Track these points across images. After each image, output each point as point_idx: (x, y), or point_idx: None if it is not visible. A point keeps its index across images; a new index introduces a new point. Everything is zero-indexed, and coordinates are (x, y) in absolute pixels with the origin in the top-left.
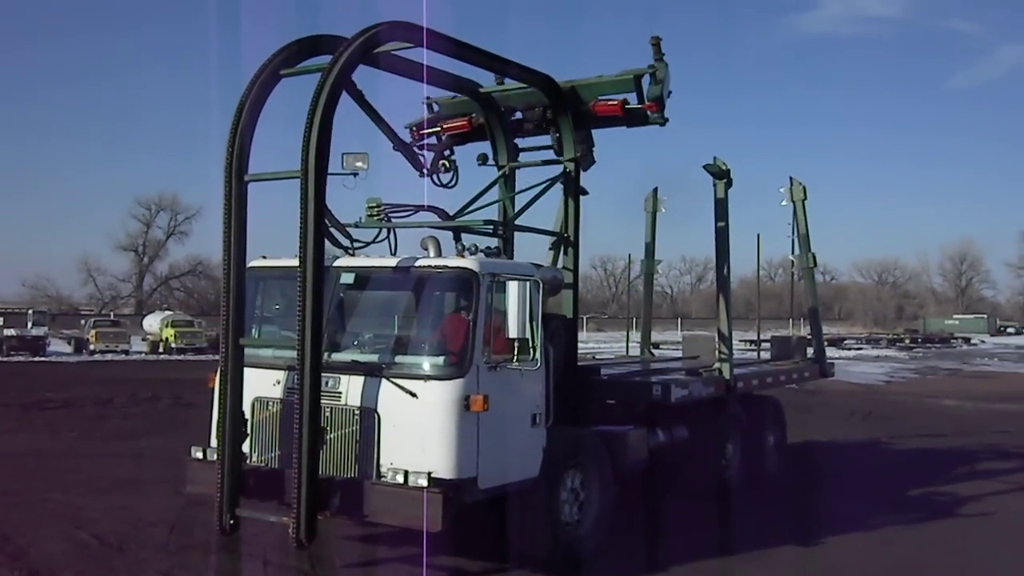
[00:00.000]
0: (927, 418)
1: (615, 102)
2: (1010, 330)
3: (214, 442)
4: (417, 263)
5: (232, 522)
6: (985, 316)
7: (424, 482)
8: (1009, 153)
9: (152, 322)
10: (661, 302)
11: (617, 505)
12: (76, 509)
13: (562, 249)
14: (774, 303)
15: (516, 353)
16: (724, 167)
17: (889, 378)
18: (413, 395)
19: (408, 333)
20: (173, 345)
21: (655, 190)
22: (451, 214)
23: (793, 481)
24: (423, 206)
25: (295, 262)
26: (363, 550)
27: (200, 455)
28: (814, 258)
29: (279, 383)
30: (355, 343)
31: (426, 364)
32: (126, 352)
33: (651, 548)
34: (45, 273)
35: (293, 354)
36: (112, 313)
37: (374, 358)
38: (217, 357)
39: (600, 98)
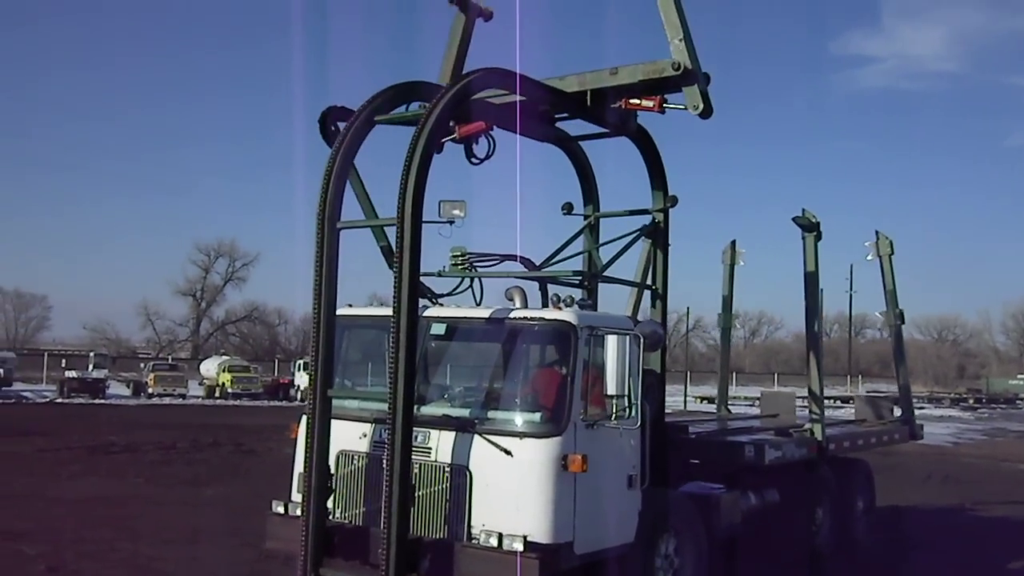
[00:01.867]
0: (1007, 484)
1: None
2: None
3: (296, 496)
4: (512, 314)
5: None
6: None
7: (519, 546)
8: None
9: (209, 367)
10: (714, 355)
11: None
12: (147, 560)
13: (650, 302)
14: (830, 359)
15: (614, 410)
16: (814, 219)
17: (957, 439)
18: (508, 453)
19: (501, 387)
20: (229, 390)
21: (733, 242)
22: (537, 264)
23: (884, 550)
24: (509, 255)
25: (383, 311)
26: None
27: (281, 510)
28: (902, 315)
29: (365, 436)
30: (444, 396)
31: (521, 421)
32: (183, 396)
33: None
34: (106, 317)
35: (380, 406)
36: (170, 357)
37: (465, 413)
38: (287, 404)
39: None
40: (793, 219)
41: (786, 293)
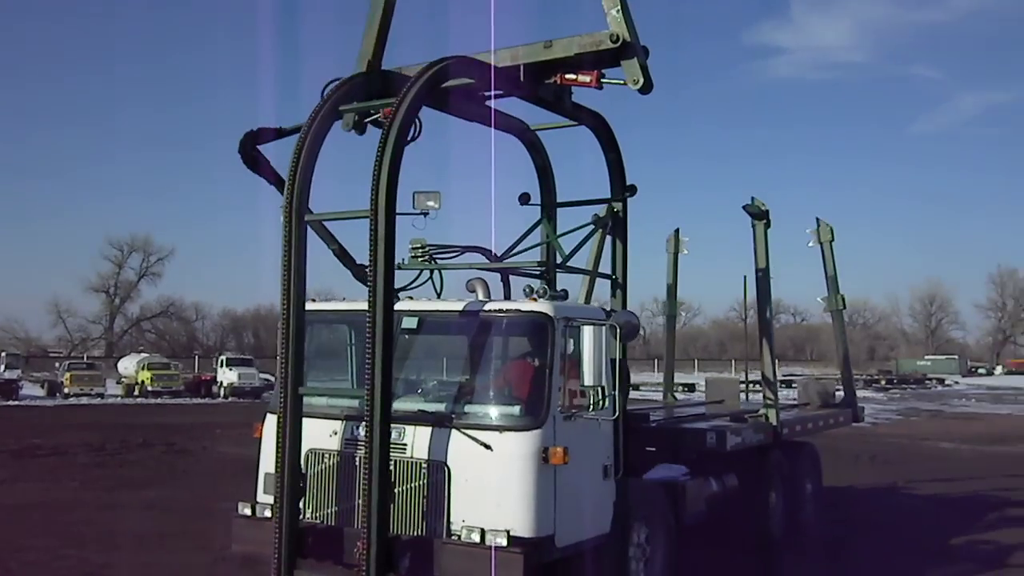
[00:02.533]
0: (932, 462)
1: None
2: (981, 371)
3: (263, 497)
4: (486, 307)
5: None
6: (956, 357)
7: (503, 541)
8: (975, 197)
9: (127, 365)
10: (645, 343)
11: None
12: (97, 567)
13: (610, 292)
14: (748, 344)
15: (592, 401)
16: (763, 208)
17: (875, 420)
18: (487, 447)
19: (477, 381)
20: (149, 388)
21: (677, 231)
22: (498, 255)
23: (832, 531)
24: (470, 247)
25: (350, 305)
26: None
27: (248, 511)
28: (843, 300)
29: (336, 434)
30: (418, 391)
31: (500, 414)
32: (101, 395)
33: None
34: (13, 315)
35: (351, 403)
36: (85, 356)
37: (441, 407)
38: (211, 401)
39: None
40: (743, 207)
41: (704, 280)
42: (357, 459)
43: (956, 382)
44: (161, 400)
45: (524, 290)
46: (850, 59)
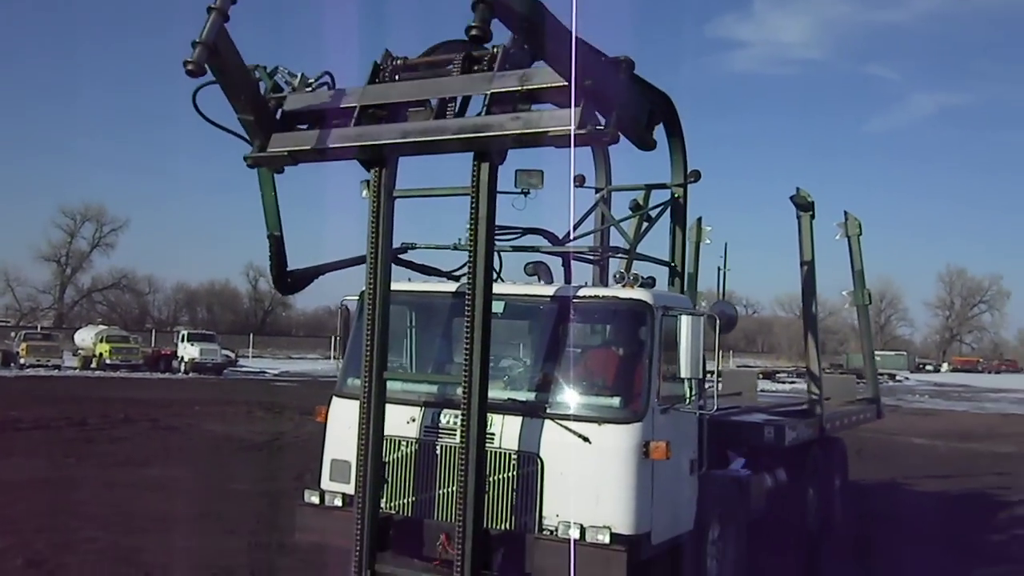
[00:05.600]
0: (915, 458)
1: None
2: (928, 367)
3: (327, 484)
4: (580, 292)
5: None
6: (905, 354)
7: (605, 538)
8: (926, 197)
9: (85, 336)
10: None
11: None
12: (132, 552)
13: (668, 280)
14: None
15: (689, 394)
16: (809, 199)
17: None
18: (585, 440)
19: (572, 370)
20: (108, 361)
21: (699, 220)
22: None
23: (859, 527)
24: (532, 229)
25: (412, 286)
26: None
27: (316, 500)
28: (869, 295)
29: (414, 421)
30: (505, 379)
31: (598, 406)
32: (58, 367)
33: None
34: None
35: (430, 389)
36: (39, 326)
37: (532, 396)
38: (171, 376)
39: None
40: (791, 198)
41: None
42: (438, 448)
43: (906, 378)
44: (120, 374)
45: (614, 276)
46: (808, 56)
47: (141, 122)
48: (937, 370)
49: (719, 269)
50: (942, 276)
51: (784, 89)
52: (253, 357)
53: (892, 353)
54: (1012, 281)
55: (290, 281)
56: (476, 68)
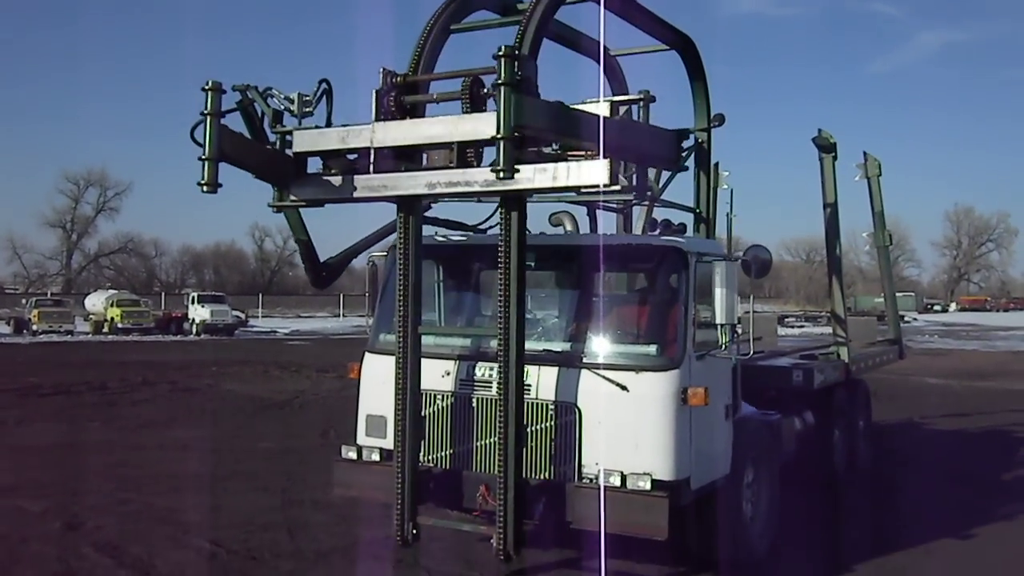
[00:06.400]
0: (931, 397)
1: None
2: (936, 307)
3: (363, 440)
4: (614, 240)
5: (415, 532)
6: (913, 294)
7: (646, 485)
8: (932, 136)
9: (95, 301)
10: None
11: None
12: (168, 512)
13: (693, 226)
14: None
15: (724, 340)
16: (831, 140)
17: None
18: (624, 388)
19: (607, 319)
20: (119, 325)
21: (716, 164)
22: None
23: (882, 467)
24: None
25: (469, 239)
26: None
27: (353, 455)
28: (890, 236)
29: (448, 374)
30: (539, 330)
31: (636, 354)
32: (71, 332)
33: (814, 546)
34: None
35: (464, 342)
36: (49, 292)
37: (567, 346)
38: (183, 338)
39: None
40: (812, 140)
41: None
42: (474, 401)
43: (915, 318)
44: (133, 337)
45: (648, 223)
46: None
47: (140, 86)
48: (945, 310)
49: (727, 215)
50: (949, 215)
51: (787, 29)
52: (263, 317)
53: (900, 294)
54: (1020, 219)
55: (326, 274)
56: (484, 91)
